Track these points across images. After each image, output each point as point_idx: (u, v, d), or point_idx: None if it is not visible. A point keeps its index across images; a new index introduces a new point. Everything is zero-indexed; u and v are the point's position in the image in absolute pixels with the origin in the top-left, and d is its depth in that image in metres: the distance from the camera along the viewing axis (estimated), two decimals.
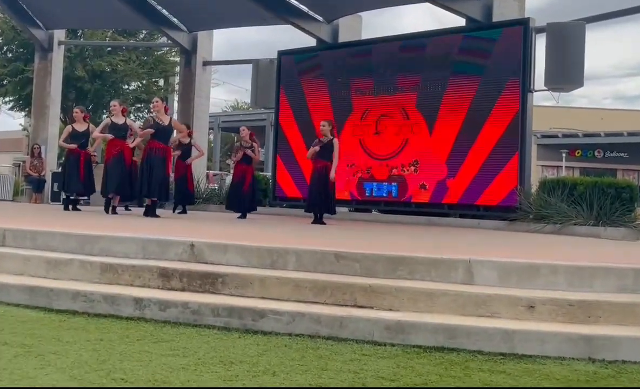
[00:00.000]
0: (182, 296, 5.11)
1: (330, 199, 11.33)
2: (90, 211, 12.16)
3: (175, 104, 23.91)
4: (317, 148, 11.32)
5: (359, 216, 14.55)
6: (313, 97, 15.57)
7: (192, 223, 9.83)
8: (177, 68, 25.07)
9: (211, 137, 44.09)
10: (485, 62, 13.09)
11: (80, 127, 12.49)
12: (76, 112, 12.71)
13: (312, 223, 11.34)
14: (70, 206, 12.53)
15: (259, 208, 14.30)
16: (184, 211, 13.44)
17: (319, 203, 11.29)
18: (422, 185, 13.83)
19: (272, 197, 16.15)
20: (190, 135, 13.58)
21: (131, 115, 26.94)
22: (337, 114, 14.93)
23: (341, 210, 15.22)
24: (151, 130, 11.21)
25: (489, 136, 12.96)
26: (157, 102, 11.59)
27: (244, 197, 12.58)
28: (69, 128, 12.55)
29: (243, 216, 12.60)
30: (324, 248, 5.55)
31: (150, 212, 11.22)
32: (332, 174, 11.20)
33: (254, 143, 12.76)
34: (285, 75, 16.15)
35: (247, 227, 9.50)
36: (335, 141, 11.31)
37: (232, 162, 13.30)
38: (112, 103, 12.39)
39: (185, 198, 13.41)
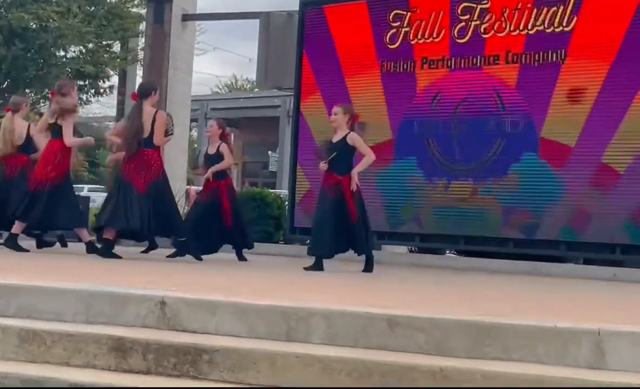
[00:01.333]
0: (146, 381, 5.12)
1: (357, 234, 10.98)
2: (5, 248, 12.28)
3: (139, 81, 24.06)
4: (323, 162, 11.01)
5: (424, 260, 14.50)
6: (355, 71, 15.57)
7: (163, 268, 9.88)
8: (142, 26, 25.25)
9: (194, 133, 44.28)
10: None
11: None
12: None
13: (306, 268, 10.90)
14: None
15: (268, 247, 14.31)
16: (151, 248, 13.50)
17: (337, 242, 11.03)
18: (524, 212, 13.76)
19: (289, 229, 16.12)
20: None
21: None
22: (393, 98, 14.93)
23: (397, 250, 15.18)
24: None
25: (637, 127, 12.93)
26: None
27: (226, 229, 12.60)
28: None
29: (239, 254, 12.67)
30: (370, 310, 5.55)
31: (105, 250, 11.34)
32: (354, 183, 10.85)
33: (222, 145, 12.84)
34: (311, 38, 16.18)
35: (248, 274, 9.52)
36: (354, 137, 11.09)
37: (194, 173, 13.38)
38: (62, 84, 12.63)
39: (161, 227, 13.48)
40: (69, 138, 12.06)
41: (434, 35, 14.87)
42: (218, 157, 12.73)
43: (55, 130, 12.02)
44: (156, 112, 11.51)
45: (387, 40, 15.33)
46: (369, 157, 11.18)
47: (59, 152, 11.99)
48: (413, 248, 15.41)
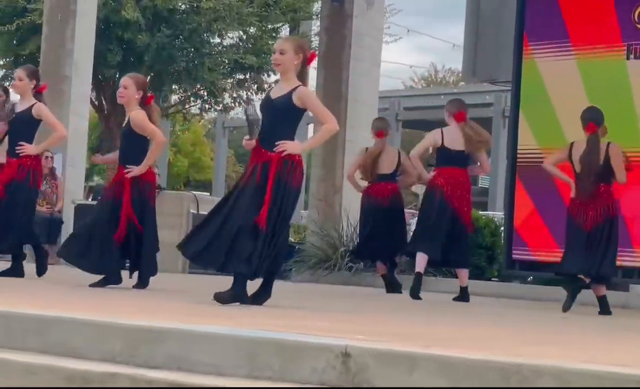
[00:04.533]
0: None
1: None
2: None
3: (313, 74, 24.37)
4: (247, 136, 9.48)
5: None
6: (592, 58, 15.43)
7: (347, 307, 9.97)
8: (317, 6, 25.58)
9: None
10: None
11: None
12: None
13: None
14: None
15: (477, 285, 14.29)
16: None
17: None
18: None
19: (506, 262, 15.95)
20: None
21: (226, 95, 27.70)
22: None
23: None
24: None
25: None
26: None
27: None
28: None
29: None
30: (618, 370, 5.41)
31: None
32: (285, 148, 9.13)
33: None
34: (535, 17, 16.16)
35: (450, 321, 9.53)
36: (304, 93, 9.48)
37: None
38: None
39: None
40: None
41: None
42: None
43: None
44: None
45: (636, 18, 15.13)
46: (330, 126, 9.43)
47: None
48: None
